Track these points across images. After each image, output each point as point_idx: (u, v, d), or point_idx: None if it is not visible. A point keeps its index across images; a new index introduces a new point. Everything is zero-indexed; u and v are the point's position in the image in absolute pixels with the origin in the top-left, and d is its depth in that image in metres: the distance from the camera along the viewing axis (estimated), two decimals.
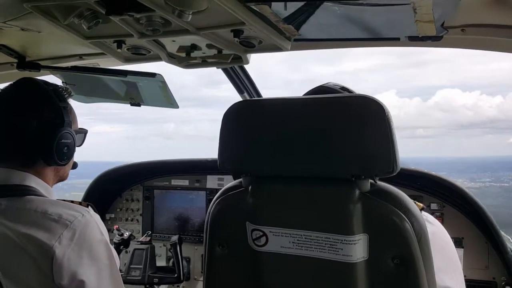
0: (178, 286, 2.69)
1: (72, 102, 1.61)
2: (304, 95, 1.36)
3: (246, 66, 2.34)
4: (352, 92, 1.34)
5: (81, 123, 1.62)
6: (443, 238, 1.23)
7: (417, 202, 1.19)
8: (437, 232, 1.20)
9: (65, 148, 1.46)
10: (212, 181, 2.79)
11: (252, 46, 1.40)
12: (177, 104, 2.07)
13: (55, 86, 1.53)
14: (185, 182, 2.85)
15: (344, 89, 1.39)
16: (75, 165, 1.63)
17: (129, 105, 2.19)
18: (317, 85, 1.44)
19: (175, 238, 2.44)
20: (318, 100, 1.15)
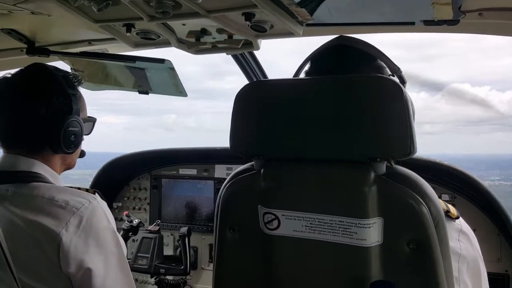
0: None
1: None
2: (321, 49, 1.27)
3: (256, 52, 2.32)
4: (377, 52, 1.24)
5: None
6: (476, 259, 1.19)
7: (451, 209, 1.16)
8: (471, 253, 1.17)
9: (72, 136, 1.45)
10: (220, 171, 2.78)
11: (264, 30, 1.38)
12: (185, 93, 2.06)
13: (65, 72, 1.52)
14: (193, 171, 2.84)
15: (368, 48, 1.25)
16: (82, 154, 1.63)
17: (137, 93, 2.18)
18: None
19: (184, 229, 2.44)
20: (333, 80, 1.12)
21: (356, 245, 1.00)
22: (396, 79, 1.22)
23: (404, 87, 1.21)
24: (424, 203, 0.96)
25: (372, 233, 0.98)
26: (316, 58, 1.29)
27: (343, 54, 1.25)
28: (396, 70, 1.22)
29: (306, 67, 1.30)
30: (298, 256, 1.08)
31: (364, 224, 0.98)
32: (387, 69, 1.24)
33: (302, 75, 1.30)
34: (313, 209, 1.02)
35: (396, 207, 0.97)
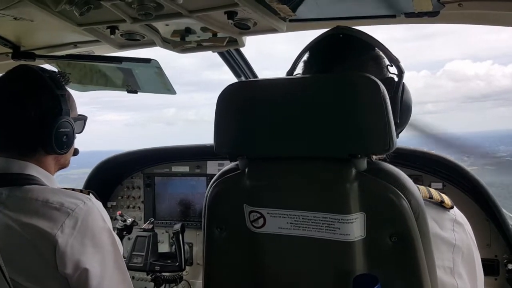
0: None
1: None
2: (318, 39, 1.27)
3: (242, 49, 2.33)
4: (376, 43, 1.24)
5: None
6: (470, 249, 1.19)
7: (446, 199, 1.17)
8: (465, 242, 1.17)
9: (64, 137, 1.45)
10: (212, 167, 2.79)
11: (247, 28, 1.39)
12: (174, 90, 2.06)
13: (51, 73, 1.50)
14: (186, 169, 2.85)
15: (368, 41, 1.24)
16: (76, 152, 1.62)
17: (126, 92, 2.18)
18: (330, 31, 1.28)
19: (177, 226, 2.44)
20: (312, 80, 1.13)
21: (340, 240, 1.01)
22: (394, 69, 1.23)
23: (403, 77, 1.22)
24: (404, 197, 0.97)
25: (355, 228, 0.99)
26: (314, 48, 1.29)
27: (341, 43, 1.25)
28: (394, 60, 1.23)
29: (305, 57, 1.30)
30: (284, 252, 1.09)
31: (347, 220, 0.99)
32: (385, 59, 1.25)
33: (300, 65, 1.31)
34: (296, 206, 1.03)
35: (377, 202, 0.98)
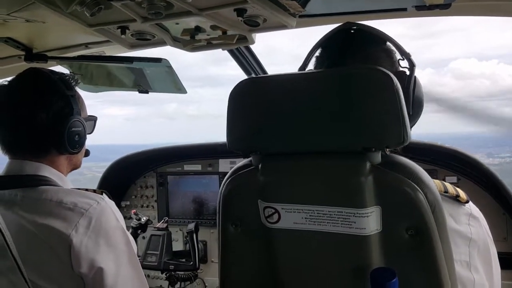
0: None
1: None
2: (329, 34, 1.28)
3: (251, 46, 2.32)
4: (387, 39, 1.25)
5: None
6: (486, 243, 1.19)
7: (461, 193, 1.16)
8: (481, 236, 1.17)
9: (76, 136, 1.47)
10: (224, 165, 2.79)
11: (257, 25, 1.38)
12: (185, 89, 2.07)
13: (61, 74, 1.52)
14: (198, 167, 2.86)
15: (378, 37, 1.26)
16: (87, 153, 1.64)
17: (137, 92, 2.20)
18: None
19: (191, 225, 2.45)
20: (325, 74, 1.13)
21: (356, 234, 1.00)
22: (405, 63, 1.23)
23: (414, 70, 1.22)
24: (420, 190, 0.97)
25: (371, 222, 0.99)
26: (326, 44, 1.30)
27: (352, 38, 1.26)
28: (406, 53, 1.23)
29: (317, 53, 1.31)
30: (299, 248, 1.09)
31: (363, 214, 0.99)
32: (396, 53, 1.25)
33: (312, 60, 1.32)
34: (311, 201, 1.03)
35: (393, 195, 0.98)
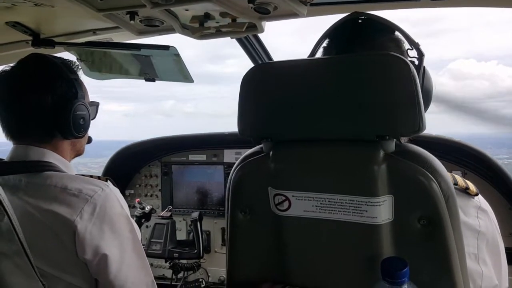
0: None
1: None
2: (337, 24, 1.27)
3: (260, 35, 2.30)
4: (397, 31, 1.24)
5: None
6: (494, 237, 1.19)
7: (470, 186, 1.15)
8: (490, 230, 1.16)
9: (81, 119, 1.47)
10: (229, 155, 2.78)
11: (267, 12, 1.36)
12: (191, 78, 2.05)
13: (63, 59, 1.52)
14: (203, 157, 2.86)
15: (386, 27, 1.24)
16: (90, 140, 1.64)
17: (144, 80, 2.18)
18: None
19: (195, 214, 2.45)
20: (338, 60, 1.11)
21: (367, 223, 0.99)
22: (414, 52, 1.22)
23: (423, 60, 1.21)
24: (434, 179, 0.96)
25: (382, 210, 0.98)
26: (333, 34, 1.28)
27: (361, 27, 1.24)
28: (415, 43, 1.22)
29: (324, 43, 1.30)
30: (310, 236, 1.08)
31: (375, 202, 0.97)
32: (405, 42, 1.24)
33: (320, 50, 1.30)
34: (323, 189, 1.02)
35: (406, 184, 0.97)
